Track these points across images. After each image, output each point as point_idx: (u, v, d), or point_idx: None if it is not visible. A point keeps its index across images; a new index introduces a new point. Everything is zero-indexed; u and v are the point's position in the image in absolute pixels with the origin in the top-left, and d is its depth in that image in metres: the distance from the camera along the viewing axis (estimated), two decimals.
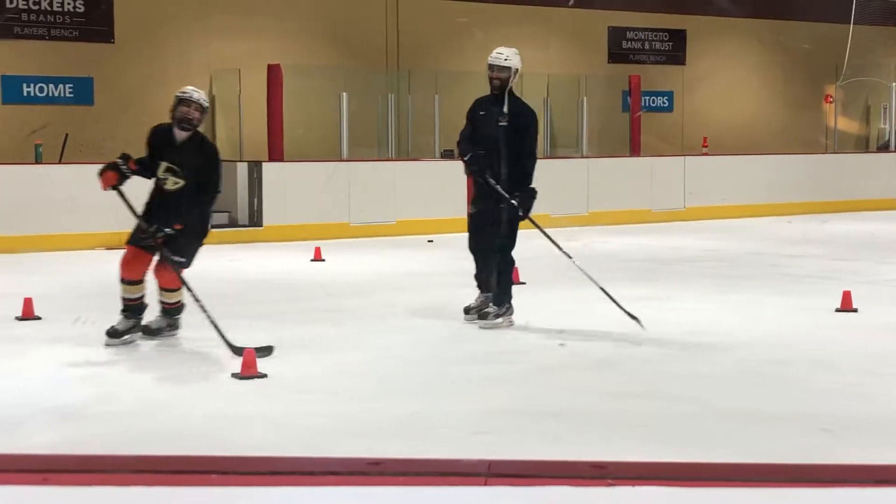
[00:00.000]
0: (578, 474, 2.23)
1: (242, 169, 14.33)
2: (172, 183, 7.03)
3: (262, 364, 6.16)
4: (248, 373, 6.07)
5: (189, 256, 7.03)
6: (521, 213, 7.75)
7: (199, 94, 7.14)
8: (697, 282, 10.20)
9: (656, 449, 4.82)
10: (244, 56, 15.44)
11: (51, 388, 6.05)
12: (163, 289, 7.07)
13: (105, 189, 6.99)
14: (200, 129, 7.21)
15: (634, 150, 17.80)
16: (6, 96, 14.40)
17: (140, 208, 7.07)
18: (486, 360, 6.78)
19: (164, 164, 7.03)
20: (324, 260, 11.56)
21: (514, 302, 7.84)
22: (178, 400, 5.74)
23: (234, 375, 6.07)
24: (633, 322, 7.44)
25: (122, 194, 6.98)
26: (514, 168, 7.72)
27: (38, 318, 7.92)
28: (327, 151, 15.09)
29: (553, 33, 18.45)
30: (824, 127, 21.08)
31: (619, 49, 19.23)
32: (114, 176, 6.94)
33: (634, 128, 17.89)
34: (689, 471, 2.35)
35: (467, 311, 7.91)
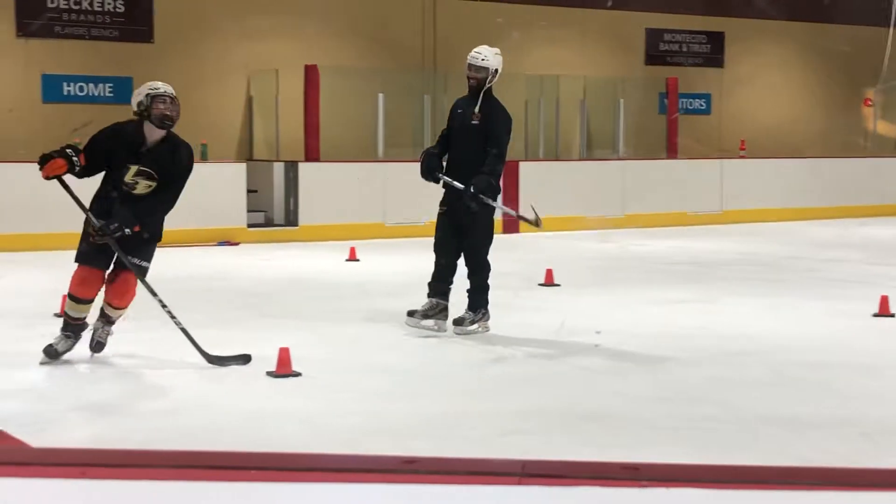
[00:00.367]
0: (611, 475, 2.23)
1: (279, 169, 14.41)
2: (145, 187, 6.38)
3: (296, 363, 6.18)
4: (283, 371, 6.11)
5: (149, 261, 6.50)
6: (470, 194, 7.32)
7: (170, 88, 6.45)
8: (735, 285, 10.14)
9: (691, 452, 4.80)
10: (282, 57, 15.52)
11: (89, 384, 6.11)
12: (113, 306, 6.51)
13: (47, 178, 6.28)
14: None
15: (671, 152, 17.73)
16: (47, 95, 14.54)
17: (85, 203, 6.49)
18: (520, 361, 6.78)
19: (134, 168, 6.35)
20: (359, 260, 11.60)
21: (549, 303, 7.81)
22: (214, 397, 5.78)
23: (270, 374, 6.10)
24: (672, 325, 7.40)
25: (66, 186, 6.37)
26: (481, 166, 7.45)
27: None
28: (363, 152, 15.13)
29: (590, 35, 18.40)
30: (863, 130, 20.91)
31: (657, 51, 19.15)
32: (64, 165, 6.23)
33: (671, 130, 17.81)
34: (723, 473, 2.34)
35: (411, 314, 7.62)
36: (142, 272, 6.42)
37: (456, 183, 7.49)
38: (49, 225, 12.30)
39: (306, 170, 14.23)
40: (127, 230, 6.24)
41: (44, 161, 6.24)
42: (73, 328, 6.48)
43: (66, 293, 6.53)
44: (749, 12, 19.44)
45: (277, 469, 2.24)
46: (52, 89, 14.55)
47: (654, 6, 18.84)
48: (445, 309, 7.59)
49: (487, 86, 7.68)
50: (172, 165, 6.41)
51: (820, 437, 5.07)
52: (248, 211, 13.81)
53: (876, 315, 8.20)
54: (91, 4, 14.71)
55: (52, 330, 7.30)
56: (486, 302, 7.63)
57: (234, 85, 15.65)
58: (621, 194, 16.27)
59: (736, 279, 10.67)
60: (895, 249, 13.35)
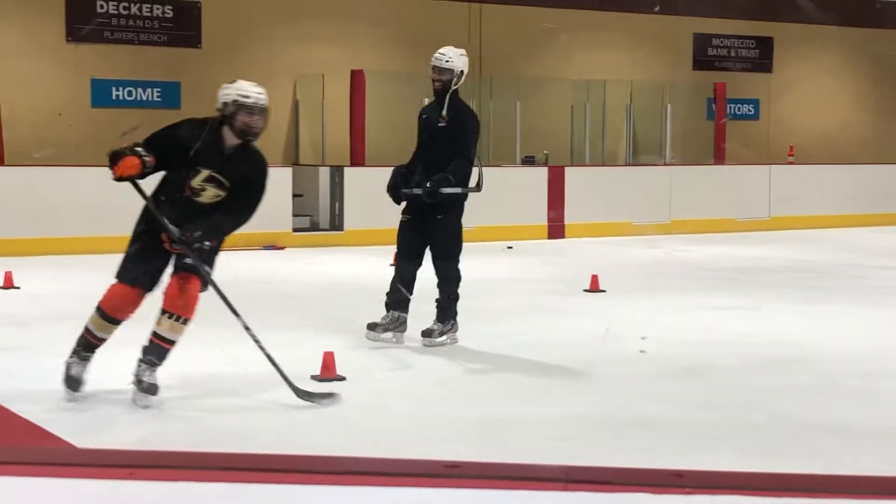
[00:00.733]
0: (657, 482, 2.22)
1: (324, 173, 14.46)
2: (212, 196, 5.68)
3: (340, 367, 6.20)
4: (327, 375, 6.14)
5: (211, 273, 5.76)
6: (427, 189, 7.08)
7: (263, 96, 5.76)
8: (783, 292, 10.06)
9: (737, 459, 4.76)
10: (328, 61, 15.59)
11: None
12: (175, 316, 5.64)
13: (119, 178, 5.52)
14: None
15: (719, 157, 17.61)
16: (95, 100, 14.71)
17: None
18: (565, 367, 6.75)
19: (205, 173, 5.63)
20: None
21: (595, 309, 7.75)
22: (258, 400, 5.81)
23: (314, 377, 6.13)
24: (719, 331, 7.34)
25: (139, 188, 5.62)
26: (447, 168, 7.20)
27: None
28: (408, 157, 15.12)
29: (638, 39, 18.33)
30: None
31: (705, 56, 19.04)
32: (138, 164, 5.49)
33: (719, 135, 17.69)
34: (769, 481, 2.32)
35: (372, 327, 7.34)
36: (209, 282, 5.71)
37: (415, 189, 7.26)
38: (101, 228, 12.43)
39: (352, 174, 14.28)
40: (207, 243, 5.59)
41: (114, 159, 5.50)
42: (92, 348, 5.74)
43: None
44: (798, 17, 19.27)
45: (320, 472, 2.24)
46: (101, 94, 14.71)
47: (702, 11, 18.72)
48: (405, 322, 7.36)
49: (453, 88, 7.40)
50: (248, 178, 5.71)
51: (868, 446, 5.02)
52: (294, 215, 13.88)
53: None
54: (140, 10, 14.86)
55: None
56: (456, 313, 7.39)
57: (280, 89, 15.74)
58: (668, 200, 16.18)
59: (783, 286, 10.58)
60: None
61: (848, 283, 10.83)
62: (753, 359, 6.93)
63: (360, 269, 11.68)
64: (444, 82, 7.40)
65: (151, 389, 5.57)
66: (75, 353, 5.72)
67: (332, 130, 15.35)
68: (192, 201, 5.66)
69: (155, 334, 5.66)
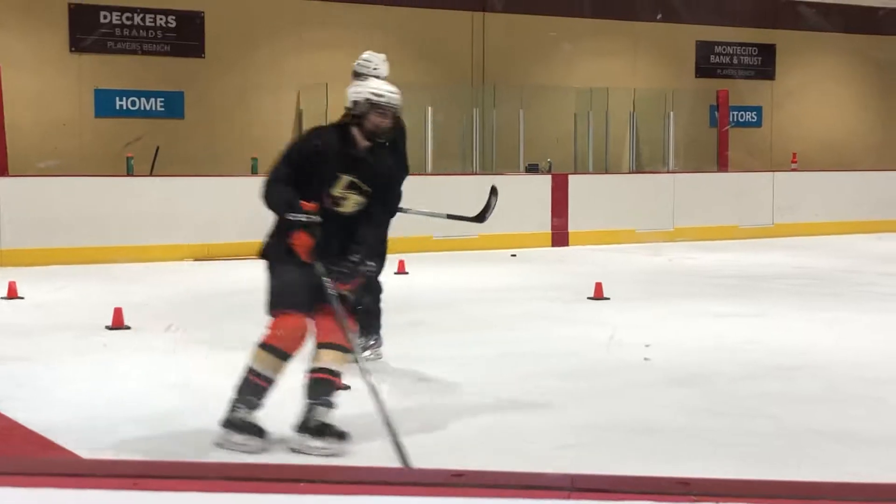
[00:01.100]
0: (662, 490, 2.21)
1: None
2: (354, 204, 5.19)
3: (345, 377, 6.19)
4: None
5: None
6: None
7: (396, 96, 5.37)
8: (787, 299, 10.04)
9: (743, 466, 4.75)
10: (331, 70, 15.59)
11: (141, 395, 6.16)
12: (333, 346, 5.13)
13: (308, 259, 5.01)
14: None
15: (722, 165, 17.62)
16: (99, 110, 14.74)
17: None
18: (570, 375, 6.75)
19: (345, 179, 5.17)
20: (407, 273, 11.61)
21: (599, 316, 7.74)
22: (264, 410, 5.80)
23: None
24: (723, 338, 7.34)
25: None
26: None
27: (128, 328, 8.05)
28: (411, 165, 15.12)
29: (640, 47, 18.36)
30: None
31: (707, 63, 19.05)
32: (311, 241, 5.01)
33: (722, 143, 17.70)
34: (775, 488, 2.31)
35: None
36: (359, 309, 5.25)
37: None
38: (103, 238, 12.44)
39: None
40: (372, 265, 5.21)
41: (297, 244, 5.02)
42: (264, 393, 5.13)
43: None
44: (801, 24, 19.29)
45: (325, 482, 2.24)
46: (104, 104, 14.74)
47: (704, 18, 18.75)
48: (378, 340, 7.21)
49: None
50: (385, 179, 5.38)
51: (874, 453, 5.00)
52: None
53: None
54: (143, 20, 14.90)
55: (107, 341, 7.35)
56: (380, 326, 7.17)
57: (284, 99, 15.77)
58: (671, 207, 16.18)
59: (787, 293, 10.57)
60: None
61: (852, 290, 10.81)
62: (758, 366, 6.92)
63: None
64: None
65: (343, 436, 5.09)
66: (250, 399, 5.11)
67: None
68: (333, 212, 5.15)
69: (320, 370, 5.15)
